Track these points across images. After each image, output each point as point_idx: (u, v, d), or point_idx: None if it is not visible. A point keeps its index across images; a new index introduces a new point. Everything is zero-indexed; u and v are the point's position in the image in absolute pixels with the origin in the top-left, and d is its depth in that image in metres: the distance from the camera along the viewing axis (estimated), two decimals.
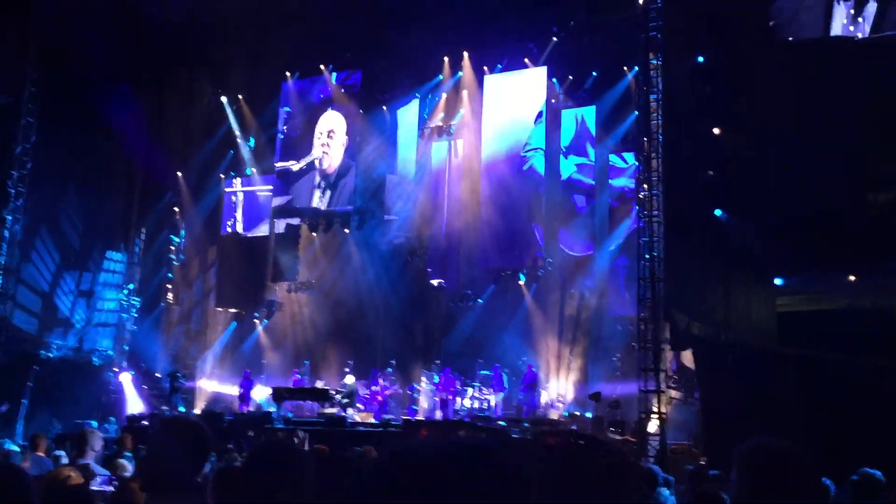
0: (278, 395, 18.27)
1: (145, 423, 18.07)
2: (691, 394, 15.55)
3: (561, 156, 19.94)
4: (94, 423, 16.63)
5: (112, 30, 20.67)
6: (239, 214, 23.71)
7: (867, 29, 15.60)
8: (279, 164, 22.85)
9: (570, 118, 20.09)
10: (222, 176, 24.13)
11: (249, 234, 23.43)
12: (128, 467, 6.15)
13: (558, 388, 19.02)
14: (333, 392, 18.35)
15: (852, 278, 16.18)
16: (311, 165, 22.44)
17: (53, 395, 18.77)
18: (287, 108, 22.85)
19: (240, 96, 23.56)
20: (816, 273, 16.19)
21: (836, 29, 15.93)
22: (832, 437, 9.92)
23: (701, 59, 16.66)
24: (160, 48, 21.96)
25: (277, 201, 22.84)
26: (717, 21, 16.49)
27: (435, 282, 20.82)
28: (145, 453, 2.83)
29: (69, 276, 21.62)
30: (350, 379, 19.14)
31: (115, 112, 21.13)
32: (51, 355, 20.28)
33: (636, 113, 17.59)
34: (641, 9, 16.79)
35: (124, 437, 8.50)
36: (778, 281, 16.36)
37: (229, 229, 23.73)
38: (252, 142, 23.93)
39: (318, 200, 22.19)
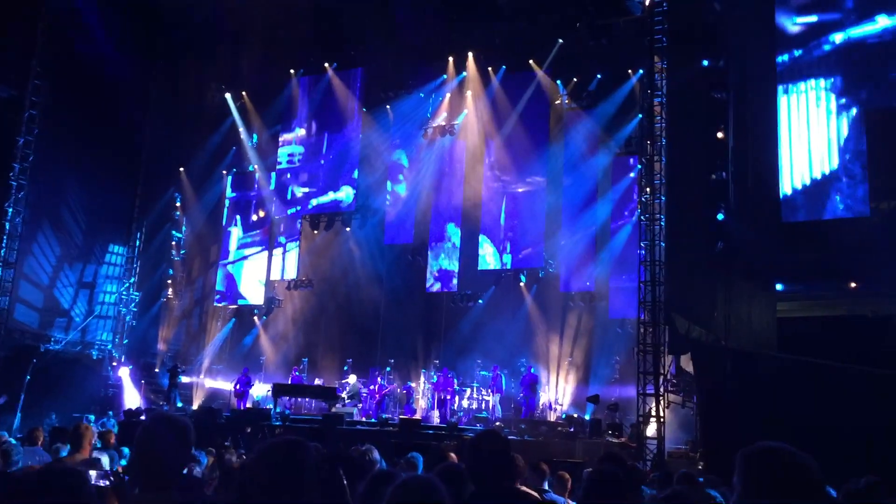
0: (277, 392, 18.28)
1: (143, 417, 18.07)
2: (690, 398, 15.52)
3: None
4: (92, 417, 16.64)
5: (118, 25, 20.69)
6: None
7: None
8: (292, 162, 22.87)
9: None
10: (224, 172, 24.15)
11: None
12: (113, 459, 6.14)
13: (557, 390, 19.03)
14: (341, 391, 18.42)
15: (853, 285, 16.16)
16: (310, 162, 22.45)
17: (52, 388, 18.76)
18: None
19: (244, 93, 23.55)
20: (818, 279, 16.17)
21: None
22: (830, 443, 9.89)
23: (706, 62, 16.63)
24: (165, 44, 22.00)
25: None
26: (722, 25, 16.49)
27: (435, 287, 20.84)
28: (133, 451, 2.86)
29: (70, 270, 21.60)
30: (352, 378, 19.19)
31: (119, 106, 21.14)
32: (51, 348, 20.26)
33: (640, 116, 17.61)
34: (647, 12, 16.79)
35: (107, 433, 8.50)
36: (779, 286, 16.33)
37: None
38: (255, 138, 23.94)
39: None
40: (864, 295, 15.83)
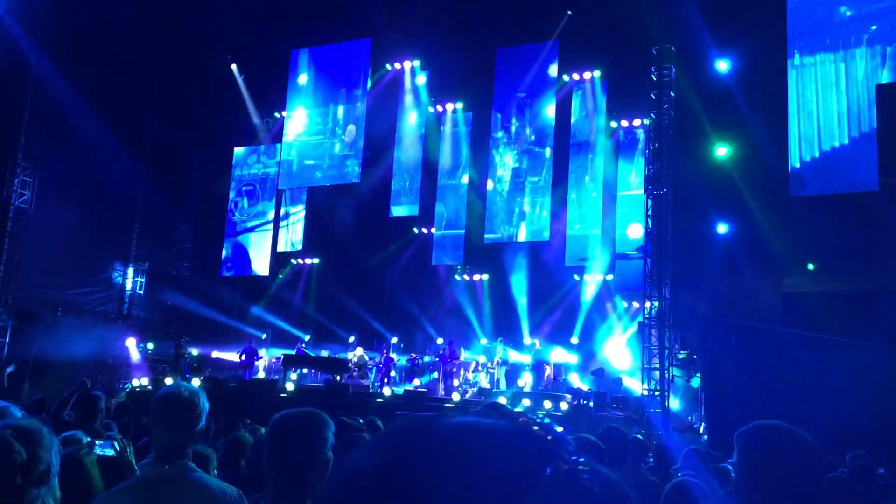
0: (288, 363, 18.35)
1: (149, 388, 18.18)
2: (695, 372, 15.56)
3: None
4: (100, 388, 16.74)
5: None
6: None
7: None
8: (299, 136, 22.80)
9: None
10: (230, 144, 24.09)
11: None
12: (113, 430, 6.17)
13: (562, 364, 19.08)
14: (350, 364, 18.47)
15: (861, 260, 16.10)
16: (316, 134, 22.35)
17: (60, 357, 18.87)
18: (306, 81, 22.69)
19: (250, 64, 23.41)
20: (825, 254, 16.11)
21: None
22: (835, 417, 9.92)
23: (715, 31, 16.48)
24: (171, 13, 21.82)
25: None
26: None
27: (442, 260, 20.86)
28: (148, 423, 2.88)
29: (77, 238, 21.60)
30: (359, 350, 19.24)
31: (124, 78, 21.02)
32: (59, 317, 20.37)
33: (648, 87, 17.44)
34: None
35: (124, 403, 8.57)
36: (785, 261, 16.28)
37: None
38: (261, 110, 23.84)
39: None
40: (871, 270, 15.77)
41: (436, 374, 18.95)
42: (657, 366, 15.08)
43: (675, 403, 15.31)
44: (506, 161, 20.30)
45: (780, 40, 16.14)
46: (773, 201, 15.69)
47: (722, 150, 16.51)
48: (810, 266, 16.45)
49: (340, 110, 22.09)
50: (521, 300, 19.59)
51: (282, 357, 18.95)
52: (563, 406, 15.48)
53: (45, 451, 2.43)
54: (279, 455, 2.47)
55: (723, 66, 16.63)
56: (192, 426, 2.75)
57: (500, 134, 20.33)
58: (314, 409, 2.57)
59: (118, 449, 4.40)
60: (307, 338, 21.13)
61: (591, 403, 15.58)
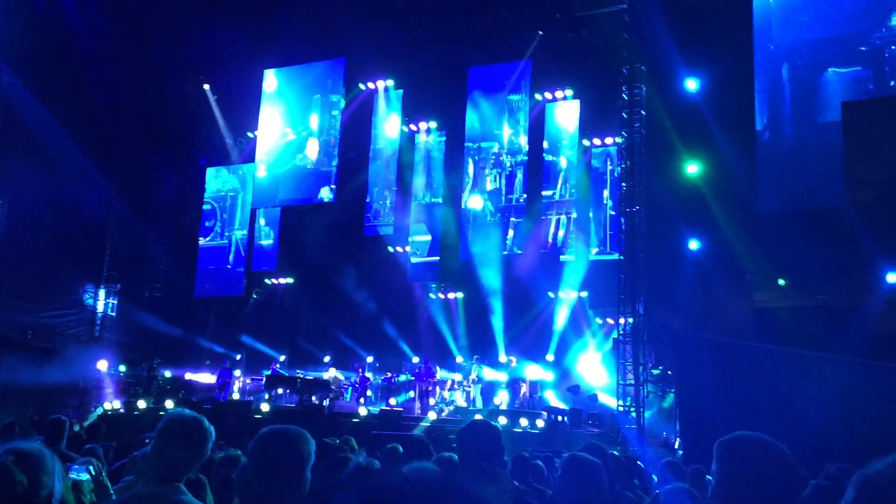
0: (270, 384, 18.19)
1: (121, 410, 17.96)
2: (669, 387, 15.66)
3: None
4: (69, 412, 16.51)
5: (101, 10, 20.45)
6: None
7: None
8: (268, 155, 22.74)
9: None
10: (202, 163, 23.97)
11: None
12: (99, 455, 6.10)
13: (537, 381, 19.08)
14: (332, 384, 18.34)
15: (829, 275, 16.33)
16: (289, 153, 22.32)
17: (31, 381, 18.59)
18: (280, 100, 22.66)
19: (221, 84, 23.36)
20: (794, 269, 16.32)
21: None
22: (807, 430, 10.02)
23: (682, 52, 16.75)
24: (142, 37, 21.73)
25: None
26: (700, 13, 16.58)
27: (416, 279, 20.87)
28: (149, 445, 2.85)
29: (49, 263, 21.36)
30: (332, 371, 19.15)
31: (94, 98, 20.87)
32: (28, 340, 20.07)
33: (620, 108, 17.64)
34: (628, 5, 16.81)
35: (96, 425, 8.47)
36: (755, 276, 16.47)
37: None
38: (233, 130, 23.77)
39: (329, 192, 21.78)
40: (840, 284, 16.00)
41: (412, 393, 18.87)
42: (632, 382, 15.17)
43: (650, 419, 15.39)
44: (482, 179, 20.38)
45: (746, 59, 16.44)
46: (743, 218, 15.90)
47: (692, 168, 16.72)
48: (781, 281, 16.66)
49: (314, 128, 22.09)
50: (497, 318, 19.61)
51: (264, 378, 18.79)
52: (539, 423, 15.48)
53: (48, 476, 2.41)
54: (261, 471, 2.49)
55: (692, 84, 16.88)
56: (202, 453, 2.77)
57: (478, 145, 20.39)
58: (298, 428, 2.59)
59: (93, 473, 4.37)
60: (282, 358, 20.97)
61: (568, 420, 15.61)
